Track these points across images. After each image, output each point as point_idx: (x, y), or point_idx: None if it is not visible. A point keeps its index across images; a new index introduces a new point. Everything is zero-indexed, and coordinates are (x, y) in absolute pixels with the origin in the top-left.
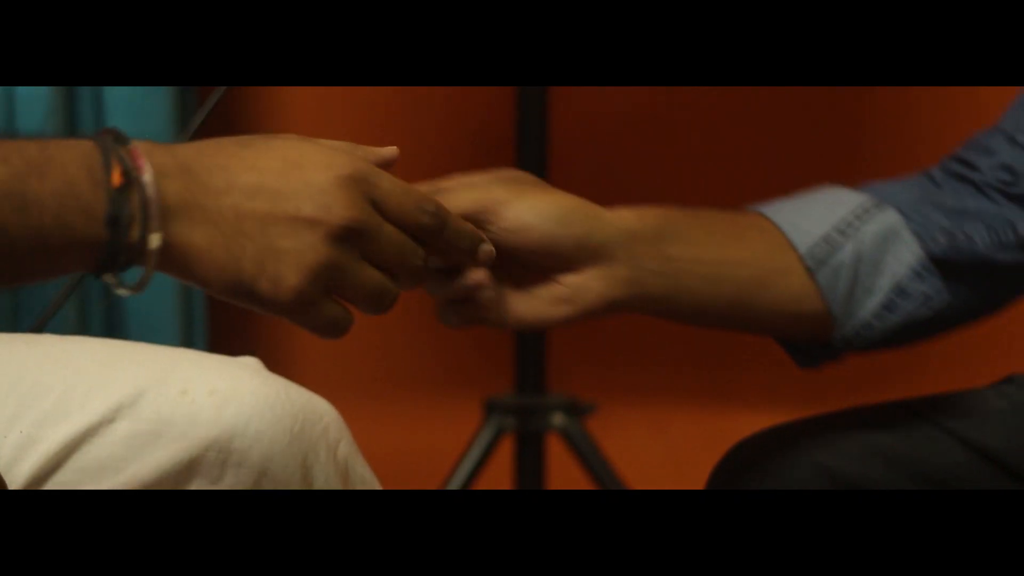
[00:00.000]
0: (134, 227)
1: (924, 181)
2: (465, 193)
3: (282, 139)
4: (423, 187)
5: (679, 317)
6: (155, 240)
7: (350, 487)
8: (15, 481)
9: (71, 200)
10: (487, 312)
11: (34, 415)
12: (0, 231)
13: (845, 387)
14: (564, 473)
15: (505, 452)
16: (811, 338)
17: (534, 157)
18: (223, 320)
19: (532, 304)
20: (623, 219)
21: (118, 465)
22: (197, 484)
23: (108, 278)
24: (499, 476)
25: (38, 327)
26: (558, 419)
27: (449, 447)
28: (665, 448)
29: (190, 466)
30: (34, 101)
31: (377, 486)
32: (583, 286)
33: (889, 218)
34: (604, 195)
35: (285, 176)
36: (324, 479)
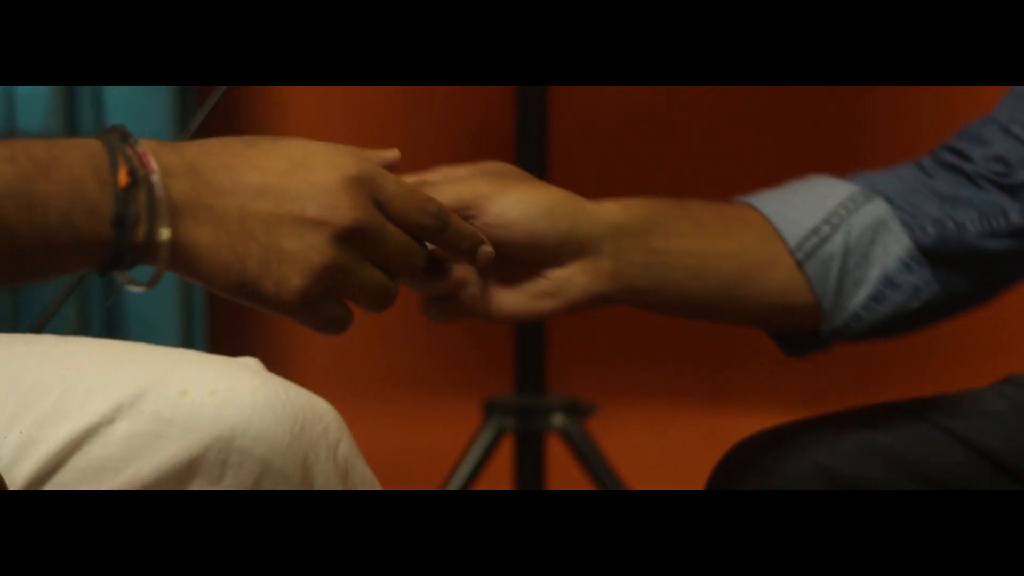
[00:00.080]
0: (140, 226)
1: (915, 170)
2: (449, 187)
3: (287, 139)
4: (407, 180)
5: (666, 309)
6: (164, 234)
7: (350, 487)
8: (15, 481)
9: (77, 200)
10: (471, 308)
11: (34, 415)
12: (6, 231)
13: (845, 387)
14: (564, 473)
15: (505, 452)
16: (799, 329)
17: (534, 157)
18: (223, 320)
19: (516, 298)
20: (608, 212)
21: (118, 465)
22: (197, 484)
23: (120, 275)
24: (499, 476)
25: (38, 327)
26: (558, 419)
27: (449, 447)
28: (665, 448)
29: (190, 466)
30: (34, 101)
31: (377, 486)
32: (568, 280)
33: (878, 209)
34: (604, 195)
35: (290, 176)
36: (324, 479)
